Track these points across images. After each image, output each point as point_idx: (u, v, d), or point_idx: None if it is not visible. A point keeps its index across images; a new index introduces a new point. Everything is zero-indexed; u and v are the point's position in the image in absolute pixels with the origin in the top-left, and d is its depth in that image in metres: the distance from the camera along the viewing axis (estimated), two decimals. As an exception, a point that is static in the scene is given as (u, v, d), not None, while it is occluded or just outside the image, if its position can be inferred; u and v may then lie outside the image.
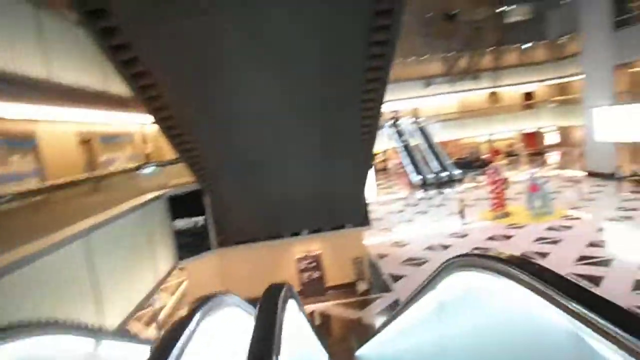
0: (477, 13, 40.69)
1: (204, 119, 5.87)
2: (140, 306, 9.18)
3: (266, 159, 7.55)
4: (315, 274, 14.93)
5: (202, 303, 4.06)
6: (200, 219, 13.42)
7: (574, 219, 19.71)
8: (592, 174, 28.25)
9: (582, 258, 15.00)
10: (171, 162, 14.20)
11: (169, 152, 15.88)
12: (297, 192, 9.06)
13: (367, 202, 11.13)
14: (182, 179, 14.04)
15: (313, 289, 14.90)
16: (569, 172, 31.42)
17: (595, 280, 13.14)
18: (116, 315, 7.89)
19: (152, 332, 14.10)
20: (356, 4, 4.33)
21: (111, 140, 16.52)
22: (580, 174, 29.71)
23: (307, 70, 5.19)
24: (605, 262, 14.39)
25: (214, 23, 4.15)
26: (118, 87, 14.87)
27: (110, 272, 8.05)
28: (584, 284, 13.10)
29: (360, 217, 13.13)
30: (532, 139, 44.59)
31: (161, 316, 14.81)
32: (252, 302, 13.91)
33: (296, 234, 14.29)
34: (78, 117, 13.54)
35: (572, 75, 39.32)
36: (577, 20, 33.40)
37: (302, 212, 10.82)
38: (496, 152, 22.00)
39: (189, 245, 12.82)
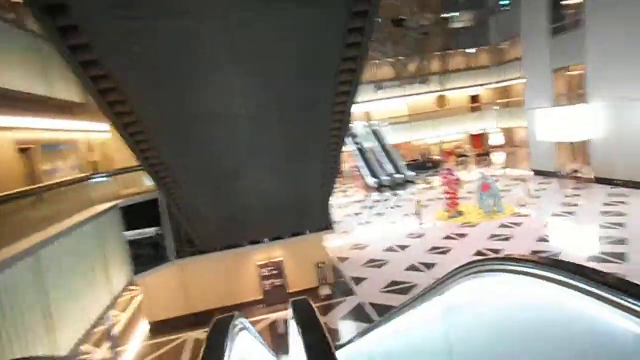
0: (423, 19, 42.14)
1: (168, 123, 5.53)
2: (95, 325, 8.56)
3: (231, 166, 7.25)
4: (277, 281, 14.65)
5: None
6: (155, 230, 12.80)
7: (523, 215, 20.64)
8: (536, 172, 29.78)
9: (532, 253, 15.66)
10: (122, 171, 13.48)
11: (118, 160, 15.09)
12: (264, 199, 8.80)
13: (330, 205, 11.04)
14: (134, 188, 13.36)
15: (275, 296, 14.61)
16: (514, 171, 32.94)
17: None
18: (69, 338, 7.29)
19: (104, 352, 13.29)
20: (332, 6, 4.24)
21: (54, 148, 15.45)
22: (525, 172, 31.22)
23: (277, 73, 5.00)
24: (554, 256, 15.09)
25: (183, 23, 3.89)
26: (62, 92, 13.95)
27: (61, 291, 7.42)
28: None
29: (324, 221, 13.00)
30: (479, 140, 46.48)
31: (114, 333, 14.00)
32: (211, 314, 13.36)
33: (257, 241, 13.97)
34: (16, 124, 12.54)
35: (513, 78, 41.43)
36: (516, 26, 35.28)
37: (267, 219, 10.56)
38: (449, 154, 22.62)
39: (145, 258, 12.19)
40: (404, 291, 14.12)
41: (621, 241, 15.47)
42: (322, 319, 11.84)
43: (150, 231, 13.16)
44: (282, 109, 5.70)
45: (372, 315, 12.83)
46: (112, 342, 13.40)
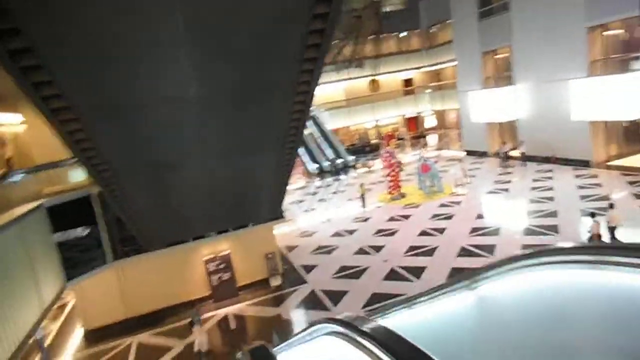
0: (355, 2, 42.15)
1: (105, 108, 4.80)
2: (26, 340, 7.61)
3: (178, 156, 6.59)
4: (226, 275, 14.05)
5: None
6: (88, 230, 11.69)
7: (461, 195, 21.43)
8: (469, 153, 31.10)
9: (473, 230, 16.29)
10: (45, 167, 12.12)
11: (37, 155, 13.57)
12: (214, 191, 8.18)
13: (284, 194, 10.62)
14: (60, 185, 12.10)
15: (224, 291, 14.03)
16: (448, 152, 34.21)
17: (489, 248, 14.32)
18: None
19: (37, 366, 12.08)
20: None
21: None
22: (459, 153, 32.52)
23: (235, 55, 4.47)
24: (494, 231, 15.79)
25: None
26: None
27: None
28: (479, 253, 14.31)
29: (275, 211, 12.54)
30: (413, 123, 47.86)
31: (44, 345, 12.75)
32: (156, 315, 12.48)
33: (202, 236, 13.25)
34: None
35: (444, 62, 42.80)
36: (446, 11, 36.33)
37: (216, 213, 9.92)
38: (390, 137, 22.89)
39: (78, 261, 11.10)
40: (355, 275, 14.12)
41: (552, 214, 16.48)
42: (275, 310, 11.38)
43: (83, 232, 12.03)
44: (238, 91, 5.16)
45: (325, 302, 12.69)
46: (44, 355, 12.18)
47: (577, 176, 20.97)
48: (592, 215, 12.79)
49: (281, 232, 18.80)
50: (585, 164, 22.19)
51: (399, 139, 40.22)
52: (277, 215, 12.60)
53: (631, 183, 18.74)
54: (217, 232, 13.08)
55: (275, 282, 14.54)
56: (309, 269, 15.36)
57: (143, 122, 5.46)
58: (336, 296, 12.91)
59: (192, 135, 6.11)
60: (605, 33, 21.61)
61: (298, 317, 12.34)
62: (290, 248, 17.82)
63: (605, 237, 12.38)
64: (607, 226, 12.48)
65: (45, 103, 4.52)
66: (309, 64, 5.20)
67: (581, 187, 19.18)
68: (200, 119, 5.62)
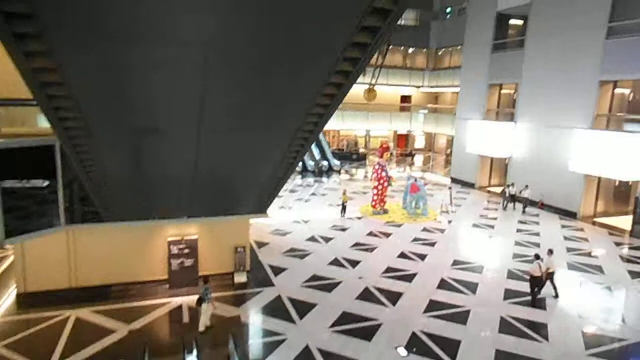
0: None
1: (89, 41, 3.62)
2: None
3: (167, 124, 5.41)
4: (188, 261, 12.79)
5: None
6: (43, 183, 10.24)
7: (446, 222, 20.72)
8: (455, 180, 30.59)
9: (456, 262, 15.52)
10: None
11: None
12: (200, 170, 6.98)
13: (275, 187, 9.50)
14: (21, 127, 10.64)
15: (183, 278, 12.76)
16: (433, 176, 33.68)
17: (471, 286, 13.54)
18: None
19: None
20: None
21: None
22: (443, 179, 32.01)
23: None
24: (477, 268, 15.04)
25: None
26: None
27: None
28: (461, 289, 13.52)
29: (262, 206, 11.31)
30: (403, 140, 47.38)
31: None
32: (103, 290, 11.11)
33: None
34: None
35: (445, 86, 42.46)
36: (457, 36, 35.86)
37: (194, 195, 8.69)
38: (384, 149, 22.00)
39: (25, 217, 9.68)
40: (327, 287, 13.10)
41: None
42: (234, 310, 10.18)
43: (36, 184, 10.58)
44: (264, 52, 4.04)
45: (290, 312, 11.59)
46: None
47: (564, 226, 20.58)
48: (537, 257, 12.92)
49: (253, 226, 17.60)
50: (572, 215, 21.86)
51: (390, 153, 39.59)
52: (261, 210, 11.41)
53: (617, 244, 18.41)
54: (188, 216, 11.82)
55: (241, 278, 13.36)
56: (278, 271, 14.24)
57: (135, 66, 4.27)
58: (303, 308, 11.84)
59: (191, 97, 4.94)
60: (615, 90, 21.36)
61: (259, 323, 11.18)
62: (261, 244, 16.66)
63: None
64: (545, 271, 12.70)
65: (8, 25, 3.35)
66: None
67: (567, 239, 18.73)
68: (207, 77, 4.47)
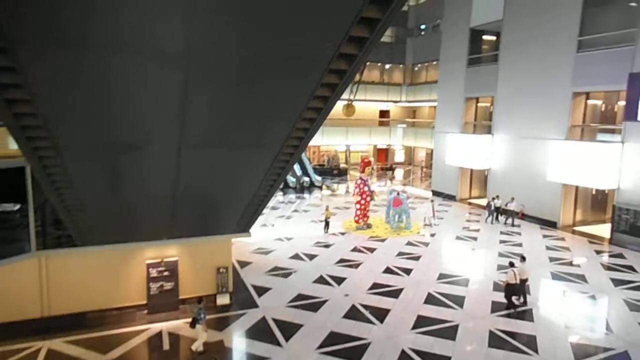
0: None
1: (60, 49, 3.36)
2: None
3: (145, 141, 5.12)
4: (168, 285, 12.31)
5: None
6: (13, 207, 9.76)
7: (430, 235, 20.68)
8: (436, 193, 30.74)
9: (442, 276, 15.40)
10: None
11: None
12: (182, 188, 6.68)
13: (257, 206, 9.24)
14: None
15: (163, 302, 12.27)
16: (414, 190, 33.80)
17: (458, 300, 13.41)
18: None
19: None
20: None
21: None
22: (424, 192, 32.15)
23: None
24: (463, 281, 14.94)
25: None
26: None
27: None
28: (448, 304, 13.37)
29: (245, 226, 10.99)
30: (383, 154, 47.66)
31: None
32: (77, 319, 10.54)
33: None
34: None
35: (422, 100, 43.06)
36: (433, 52, 36.52)
37: (175, 215, 8.34)
38: (366, 164, 21.94)
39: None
40: (313, 307, 12.77)
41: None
42: (217, 335, 9.75)
43: (5, 208, 10.09)
44: (247, 60, 3.83)
45: (276, 334, 11.22)
46: None
47: (545, 236, 20.77)
48: (511, 264, 13.13)
49: (234, 244, 17.20)
50: (552, 224, 22.11)
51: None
52: (244, 229, 11.09)
53: (598, 252, 18.64)
54: (167, 237, 11.41)
55: (223, 300, 12.93)
56: (262, 291, 13.85)
57: (107, 80, 4.01)
58: (289, 329, 11.47)
59: (169, 112, 4.69)
60: (588, 101, 21.91)
61: (243, 347, 10.75)
62: (243, 264, 16.25)
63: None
64: (518, 278, 12.86)
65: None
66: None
67: (550, 249, 18.87)
68: (187, 92, 4.24)
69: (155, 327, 11.59)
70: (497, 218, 23.35)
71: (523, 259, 13.86)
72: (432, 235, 20.77)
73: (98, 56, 3.63)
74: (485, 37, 28.61)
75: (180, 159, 5.66)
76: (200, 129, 5.09)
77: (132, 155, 5.47)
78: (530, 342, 10.94)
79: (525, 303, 13.05)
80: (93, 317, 11.83)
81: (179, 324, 11.77)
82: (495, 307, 12.93)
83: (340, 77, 4.95)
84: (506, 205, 22.95)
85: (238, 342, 10.98)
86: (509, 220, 22.87)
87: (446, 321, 12.02)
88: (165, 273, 12.29)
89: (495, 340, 11.02)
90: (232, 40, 3.65)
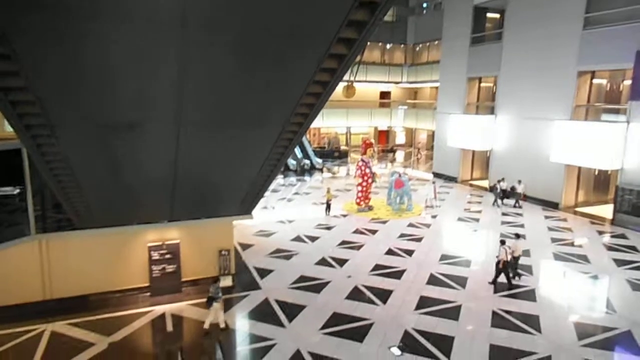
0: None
1: (49, 22, 3.18)
2: None
3: (143, 119, 4.93)
4: (170, 267, 12.28)
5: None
6: (12, 190, 9.65)
7: (432, 217, 20.62)
8: (437, 175, 30.60)
9: (443, 257, 15.38)
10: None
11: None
12: (181, 170, 6.52)
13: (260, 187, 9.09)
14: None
15: (166, 284, 12.25)
16: (415, 172, 33.65)
17: (461, 281, 13.40)
18: None
19: None
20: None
21: None
22: (425, 174, 31.98)
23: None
24: (465, 262, 14.92)
25: None
26: None
27: None
28: (451, 284, 13.37)
29: (247, 208, 10.83)
30: (384, 136, 47.33)
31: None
32: (80, 302, 10.50)
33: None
34: None
35: (424, 81, 42.55)
36: (434, 31, 35.90)
37: (175, 197, 8.20)
38: (368, 145, 21.74)
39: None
40: (315, 288, 12.76)
41: (525, 253, 15.82)
42: (221, 317, 9.70)
43: (3, 191, 9.97)
44: (250, 37, 3.66)
45: (279, 315, 11.22)
46: None
47: (547, 217, 20.71)
48: (502, 242, 13.21)
49: (235, 227, 17.15)
50: (554, 205, 22.02)
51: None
52: (246, 211, 10.96)
53: (600, 233, 18.60)
54: (169, 220, 11.31)
55: (226, 282, 12.89)
56: (264, 273, 13.83)
57: (100, 51, 3.82)
58: (292, 310, 11.48)
59: (168, 86, 4.50)
60: (593, 80, 21.59)
61: (247, 329, 10.76)
62: (245, 246, 16.22)
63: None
64: (511, 255, 13.04)
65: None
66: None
67: (551, 229, 18.83)
68: (185, 61, 4.05)
69: (158, 309, 11.59)
70: (502, 201, 22.72)
71: (517, 236, 14.14)
72: (434, 216, 20.71)
73: (88, 23, 3.43)
74: (489, 14, 28.08)
75: (180, 138, 5.50)
76: (199, 105, 4.92)
77: (130, 133, 5.30)
78: (534, 322, 10.94)
79: (515, 277, 13.37)
80: (95, 299, 11.84)
81: (181, 306, 11.78)
82: (499, 287, 12.92)
83: (339, 61, 4.84)
84: (512, 188, 22.60)
85: (241, 324, 10.98)
86: (516, 203, 22.41)
87: (449, 302, 12.02)
88: (167, 256, 12.24)
89: (499, 321, 11.02)
90: (233, 7, 3.46)
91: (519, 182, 22.55)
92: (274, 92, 5.16)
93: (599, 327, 10.81)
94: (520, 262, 13.84)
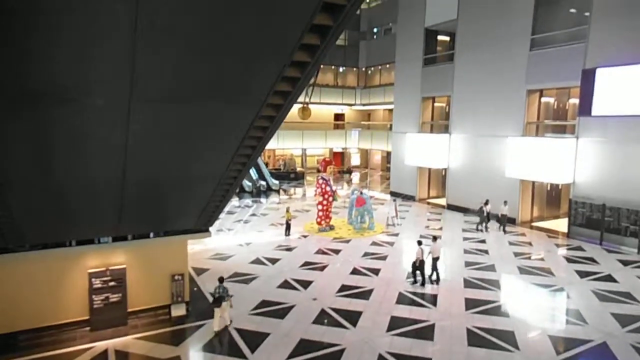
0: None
1: None
2: None
3: (81, 89, 3.88)
4: (115, 296, 10.85)
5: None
6: None
7: (393, 235, 20.16)
8: (394, 194, 30.49)
9: (410, 275, 14.80)
10: None
11: None
12: (132, 170, 5.43)
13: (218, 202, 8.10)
14: None
15: (109, 316, 10.79)
16: (371, 193, 33.43)
17: (430, 299, 12.86)
18: None
19: None
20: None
21: None
22: (381, 194, 31.82)
23: None
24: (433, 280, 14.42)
25: None
26: None
27: None
28: (421, 302, 12.77)
29: (206, 223, 9.75)
30: (339, 158, 47.21)
31: None
32: (9, 338, 8.93)
33: (91, 240, 10.09)
34: None
35: (377, 103, 43.11)
36: (386, 55, 36.56)
37: (122, 207, 7.04)
38: (327, 163, 21.16)
39: None
40: (279, 314, 11.73)
41: (490, 267, 15.64)
42: (172, 351, 8.51)
43: None
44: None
45: (240, 346, 10.09)
46: None
47: (506, 232, 20.78)
48: (419, 242, 14.18)
49: (190, 250, 15.83)
50: (511, 221, 22.25)
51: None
52: (205, 225, 9.87)
53: (558, 245, 18.82)
54: (114, 239, 10.00)
55: (179, 311, 11.61)
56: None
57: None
58: (255, 339, 10.37)
59: (117, 46, 3.56)
60: (542, 99, 22.36)
61: (205, 362, 9.56)
62: (199, 271, 14.93)
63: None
64: (431, 257, 14.21)
65: None
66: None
67: (513, 244, 18.86)
68: (137, 13, 3.20)
69: (100, 345, 10.12)
70: (487, 224, 20.86)
71: (435, 238, 14.98)
72: (396, 234, 20.27)
73: None
74: (440, 37, 28.82)
75: (130, 120, 4.49)
76: (156, 73, 4.00)
77: (65, 111, 4.23)
78: (510, 339, 10.47)
79: (438, 280, 14.15)
80: (25, 337, 10.18)
81: (127, 341, 10.36)
82: (470, 304, 12.45)
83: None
84: (490, 210, 20.94)
85: (197, 358, 9.74)
86: (503, 228, 20.66)
87: (421, 321, 11.37)
88: (111, 283, 10.83)
89: (475, 339, 10.46)
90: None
91: (505, 203, 20.71)
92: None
93: (574, 340, 10.49)
94: (485, 276, 13.52)
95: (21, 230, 7.41)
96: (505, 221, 20.75)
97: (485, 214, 20.70)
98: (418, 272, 13.91)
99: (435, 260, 14.20)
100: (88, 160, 5.26)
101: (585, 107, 18.71)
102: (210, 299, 12.60)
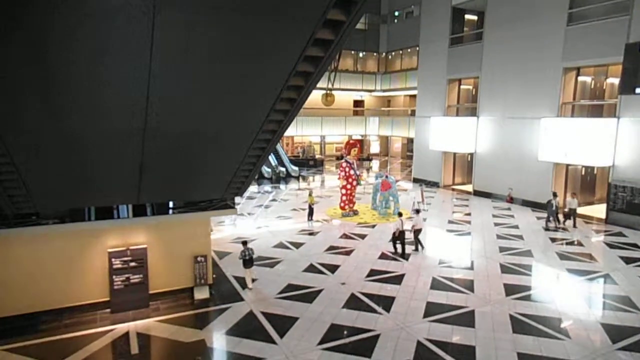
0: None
1: None
2: None
3: (106, 44, 3.25)
4: (136, 277, 10.34)
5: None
6: None
7: (422, 220, 19.31)
8: (417, 181, 29.53)
9: (441, 261, 14.04)
10: None
11: None
12: (156, 131, 4.77)
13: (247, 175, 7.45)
14: None
15: (130, 298, 10.30)
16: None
17: (466, 284, 12.08)
18: None
19: None
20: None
21: None
22: (402, 183, 30.92)
23: None
24: (467, 265, 13.63)
25: None
26: None
27: None
28: (457, 288, 12.03)
29: (231, 189, 9.03)
30: (359, 145, 46.33)
31: None
32: (29, 319, 8.49)
33: (111, 214, 9.53)
34: None
35: (397, 89, 41.98)
36: (408, 39, 35.36)
37: (144, 171, 6.38)
38: (352, 145, 20.37)
39: None
40: (307, 298, 11.10)
41: (526, 253, 14.76)
42: (196, 334, 7.89)
43: None
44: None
45: (268, 330, 9.49)
46: None
47: (539, 218, 19.78)
48: (400, 214, 15.29)
49: (212, 235, 15.31)
50: (543, 207, 21.19)
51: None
52: (236, 194, 9.20)
53: (597, 232, 17.79)
54: (134, 214, 9.44)
55: (202, 294, 11.06)
56: (245, 282, 12.05)
57: None
58: (283, 323, 9.76)
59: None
60: (579, 77, 21.14)
61: (229, 347, 8.94)
62: (222, 254, 14.41)
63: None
64: (412, 228, 15.00)
65: None
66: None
67: (549, 231, 17.88)
68: None
69: (121, 327, 9.63)
70: (559, 220, 18.45)
71: (417, 212, 15.80)
72: (424, 220, 19.44)
73: None
74: (468, 15, 27.62)
75: (154, 43, 3.80)
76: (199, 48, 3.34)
77: (90, 70, 3.50)
78: (558, 326, 9.66)
79: (422, 248, 14.87)
80: (44, 319, 9.75)
81: (149, 323, 9.85)
82: (510, 290, 11.64)
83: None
84: (558, 205, 18.67)
85: (223, 342, 9.16)
86: (569, 222, 18.46)
87: (460, 307, 10.61)
88: (132, 263, 10.31)
89: (520, 326, 9.68)
90: None
91: (573, 195, 18.75)
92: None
93: (630, 329, 9.62)
94: (523, 262, 12.64)
95: (31, 192, 6.77)
96: (575, 215, 18.40)
97: (554, 207, 18.07)
98: (398, 242, 14.44)
99: (417, 232, 14.80)
100: (106, 109, 4.53)
101: (627, 85, 17.50)
102: (234, 282, 12.10)
